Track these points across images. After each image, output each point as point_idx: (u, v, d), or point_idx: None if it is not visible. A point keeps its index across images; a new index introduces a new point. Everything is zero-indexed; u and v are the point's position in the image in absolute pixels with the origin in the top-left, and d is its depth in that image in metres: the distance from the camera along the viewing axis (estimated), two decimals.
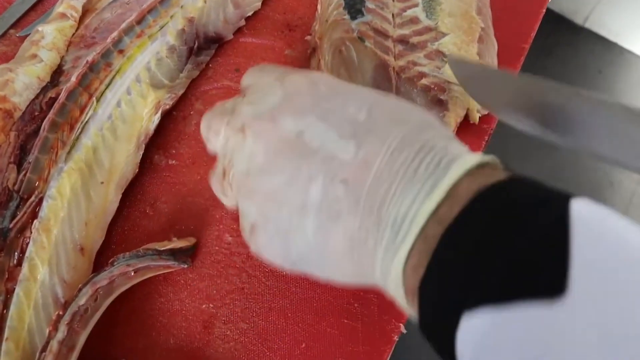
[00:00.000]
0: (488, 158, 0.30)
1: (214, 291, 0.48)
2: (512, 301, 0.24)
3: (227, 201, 0.39)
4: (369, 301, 0.48)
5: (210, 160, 0.53)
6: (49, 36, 0.52)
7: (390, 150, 0.31)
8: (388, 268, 0.30)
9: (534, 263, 0.24)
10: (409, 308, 0.31)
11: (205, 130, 0.39)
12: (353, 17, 0.55)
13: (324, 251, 0.33)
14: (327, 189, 0.32)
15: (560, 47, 1.62)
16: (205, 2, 0.56)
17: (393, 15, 0.55)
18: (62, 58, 0.53)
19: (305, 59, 0.58)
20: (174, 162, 0.53)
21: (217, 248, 0.49)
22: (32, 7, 0.61)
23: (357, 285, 0.35)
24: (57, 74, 0.52)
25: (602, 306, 0.22)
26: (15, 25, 0.60)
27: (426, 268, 0.28)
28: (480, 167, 0.30)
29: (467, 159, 0.29)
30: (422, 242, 0.28)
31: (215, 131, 0.38)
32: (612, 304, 0.22)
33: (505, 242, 0.25)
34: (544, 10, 0.63)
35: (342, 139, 0.32)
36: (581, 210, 0.25)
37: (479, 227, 0.27)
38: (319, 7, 0.59)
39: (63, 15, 0.54)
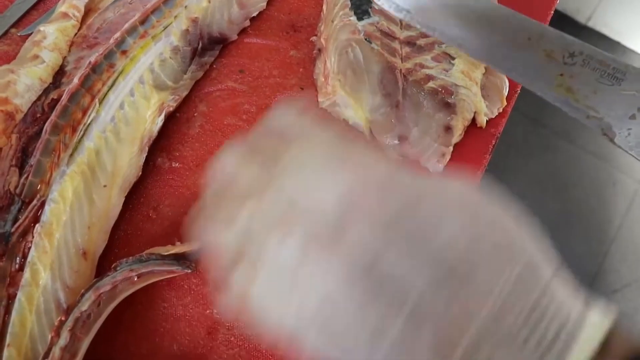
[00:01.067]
0: (610, 316, 0.25)
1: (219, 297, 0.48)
2: None
3: None
4: None
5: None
6: (51, 36, 0.52)
7: (492, 309, 0.24)
8: None
9: None
10: None
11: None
12: (360, 18, 0.54)
13: None
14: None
15: None
16: (209, 2, 0.55)
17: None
18: (64, 59, 0.52)
19: (310, 60, 0.57)
20: (177, 164, 0.52)
21: None
22: (34, 6, 0.61)
23: None
24: (59, 75, 0.51)
25: None
26: (16, 24, 0.60)
27: None
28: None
29: (591, 328, 0.24)
30: None
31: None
32: None
33: None
34: (552, 12, 0.63)
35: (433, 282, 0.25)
36: None
37: None
38: (324, 7, 0.58)
39: (65, 15, 0.54)
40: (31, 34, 0.58)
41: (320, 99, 0.54)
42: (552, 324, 0.24)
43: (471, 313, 0.24)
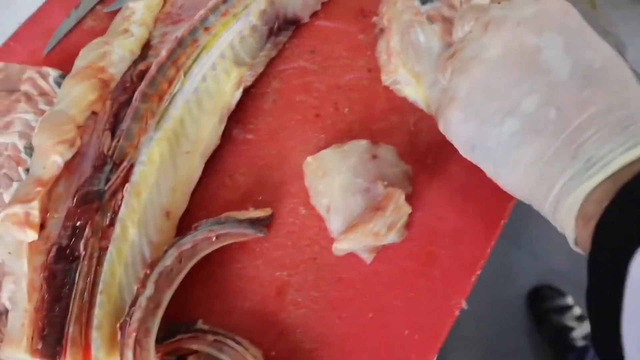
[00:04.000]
0: None
1: (288, 260, 0.51)
2: None
3: (442, 78, 0.45)
4: (433, 277, 0.50)
5: (285, 137, 0.55)
6: (139, 12, 0.55)
7: (609, 104, 0.35)
8: (568, 193, 0.36)
9: None
10: (572, 234, 0.37)
11: (458, 18, 0.45)
12: (423, 3, 0.57)
13: (509, 154, 0.39)
14: (540, 107, 0.37)
15: None
16: None
17: (461, 3, 0.57)
18: (150, 33, 0.56)
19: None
20: (251, 136, 0.56)
21: (291, 220, 0.52)
22: None
23: (516, 195, 0.42)
24: (146, 48, 0.55)
25: None
26: (102, 1, 0.64)
27: (611, 202, 0.33)
28: None
29: None
30: (610, 183, 0.34)
31: (467, 19, 0.43)
32: None
33: None
34: None
35: (572, 73, 0.37)
36: None
37: None
38: None
39: None
40: (115, 10, 0.62)
41: (383, 77, 0.57)
42: None
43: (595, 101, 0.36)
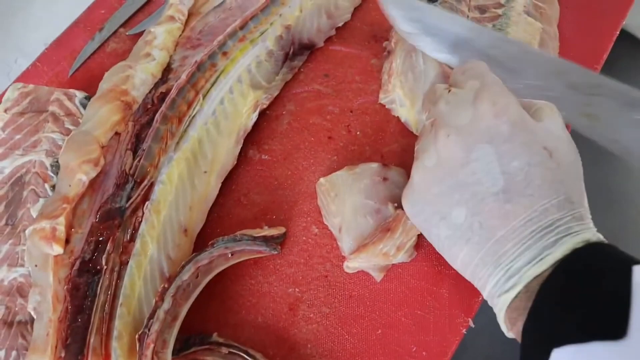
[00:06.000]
0: (595, 238, 0.39)
1: (300, 277, 0.53)
2: (587, 342, 0.33)
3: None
4: (441, 296, 0.51)
5: (299, 157, 0.57)
6: (160, 37, 0.58)
7: (528, 219, 0.39)
8: (493, 298, 0.41)
9: (604, 315, 0.34)
10: (504, 328, 0.41)
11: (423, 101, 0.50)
12: None
13: (446, 252, 0.44)
14: (467, 218, 0.41)
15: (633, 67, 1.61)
16: (301, 11, 0.61)
17: None
18: (170, 57, 0.58)
19: None
20: (266, 157, 0.58)
21: (304, 238, 0.54)
22: (140, 9, 0.67)
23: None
24: (166, 71, 0.57)
25: None
26: (124, 24, 0.66)
27: (528, 314, 0.38)
28: (587, 244, 0.38)
29: (576, 240, 0.38)
30: (524, 292, 0.39)
31: (424, 107, 0.48)
32: None
33: (583, 299, 0.35)
34: (618, 32, 0.66)
35: (497, 185, 0.40)
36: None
37: (564, 286, 0.37)
38: None
39: (171, 18, 0.60)
40: (138, 33, 0.65)
41: (381, 95, 0.60)
42: (555, 236, 0.38)
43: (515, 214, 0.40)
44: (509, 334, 0.42)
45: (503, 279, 0.40)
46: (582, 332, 0.34)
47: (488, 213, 0.40)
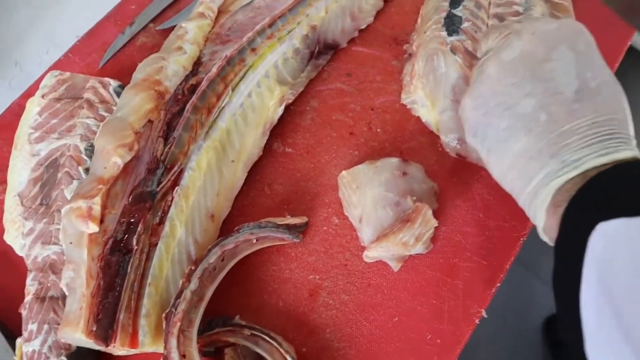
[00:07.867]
0: None
1: (321, 265, 0.55)
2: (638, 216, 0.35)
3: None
4: (455, 287, 0.53)
5: (322, 151, 0.59)
6: (191, 32, 0.60)
7: (593, 121, 0.41)
8: (542, 187, 0.42)
9: None
10: (541, 222, 0.43)
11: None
12: (449, 34, 0.61)
13: (501, 144, 0.45)
14: (535, 109, 0.43)
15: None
16: (327, 12, 0.63)
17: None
18: (200, 51, 0.60)
19: None
20: (290, 150, 0.60)
21: (325, 228, 0.56)
22: (170, 5, 0.69)
23: (501, 184, 0.47)
24: (197, 64, 0.59)
25: None
26: (154, 20, 0.69)
27: (577, 191, 0.40)
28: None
29: (635, 152, 0.41)
30: (580, 178, 0.40)
31: (492, 36, 0.49)
32: None
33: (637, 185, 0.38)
34: (626, 47, 0.68)
35: (570, 86, 0.43)
36: None
37: (622, 176, 0.39)
38: (419, 20, 0.65)
39: (202, 15, 0.62)
40: (167, 28, 0.67)
41: (402, 96, 0.62)
42: (616, 141, 0.41)
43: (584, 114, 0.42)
44: (542, 233, 0.44)
45: (557, 168, 0.41)
46: (632, 208, 0.35)
47: (557, 107, 0.42)
